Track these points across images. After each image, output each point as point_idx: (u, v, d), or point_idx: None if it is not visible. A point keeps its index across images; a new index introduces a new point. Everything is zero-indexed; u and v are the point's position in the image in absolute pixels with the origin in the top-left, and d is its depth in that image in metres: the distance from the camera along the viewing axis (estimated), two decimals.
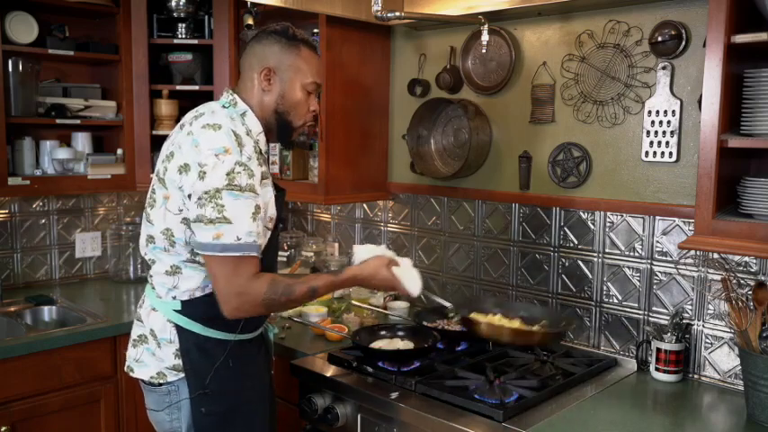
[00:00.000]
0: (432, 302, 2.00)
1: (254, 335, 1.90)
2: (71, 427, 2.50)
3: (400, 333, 2.33)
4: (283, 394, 2.34)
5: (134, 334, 1.89)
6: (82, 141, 3.09)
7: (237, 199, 1.65)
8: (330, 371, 2.13)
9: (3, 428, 2.29)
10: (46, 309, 2.87)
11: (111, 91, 3.15)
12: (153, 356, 1.83)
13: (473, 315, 1.99)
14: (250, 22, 2.86)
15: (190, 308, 1.79)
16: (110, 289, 3.13)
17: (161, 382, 1.82)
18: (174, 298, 1.80)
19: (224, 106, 1.81)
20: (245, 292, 1.69)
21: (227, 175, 1.65)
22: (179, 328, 1.79)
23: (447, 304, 1.97)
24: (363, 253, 1.95)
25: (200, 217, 1.66)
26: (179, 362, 1.80)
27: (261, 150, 1.82)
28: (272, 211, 1.81)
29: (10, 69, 2.71)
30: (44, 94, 2.94)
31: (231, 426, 1.83)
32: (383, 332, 2.32)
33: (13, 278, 3.05)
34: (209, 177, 1.65)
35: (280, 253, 3.15)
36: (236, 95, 1.84)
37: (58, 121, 2.89)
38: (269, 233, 1.81)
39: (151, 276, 1.86)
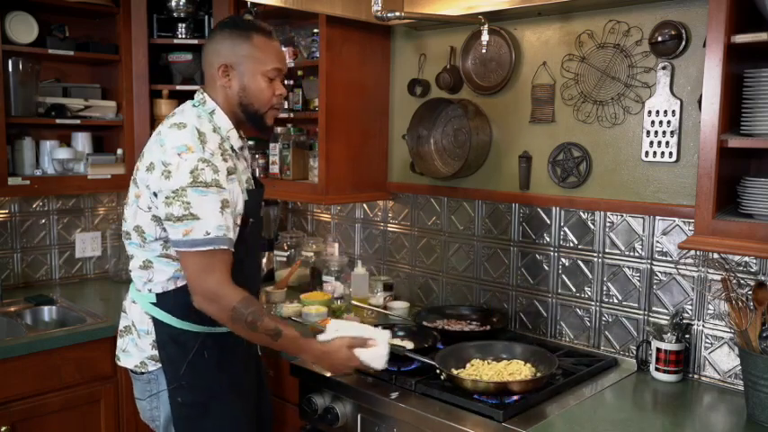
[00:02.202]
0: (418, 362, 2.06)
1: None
2: (71, 427, 2.50)
3: (400, 333, 2.33)
4: (283, 394, 2.35)
5: (121, 325, 1.98)
6: (82, 141, 3.09)
7: (203, 195, 1.70)
8: None
9: (3, 428, 2.29)
10: (46, 309, 2.87)
11: (111, 91, 3.15)
12: (136, 347, 1.90)
13: (454, 371, 1.97)
14: None
15: (164, 300, 1.84)
16: (110, 289, 3.13)
17: (143, 371, 1.90)
18: (150, 291, 1.86)
19: (194, 105, 1.87)
20: (218, 293, 1.73)
21: (191, 172, 1.70)
22: (155, 320, 1.86)
23: (432, 363, 1.98)
24: (333, 331, 1.96)
25: (168, 216, 1.72)
26: (156, 353, 1.87)
27: (232, 146, 1.87)
28: (240, 208, 1.83)
29: (10, 69, 2.71)
30: (44, 94, 2.94)
31: (206, 416, 1.88)
32: None
33: (13, 278, 3.05)
34: (174, 177, 1.70)
35: (280, 253, 3.16)
36: (205, 94, 1.89)
37: (58, 121, 2.90)
38: (238, 229, 1.83)
39: (130, 270, 1.92)
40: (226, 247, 1.73)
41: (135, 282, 1.90)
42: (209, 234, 1.70)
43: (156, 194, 1.74)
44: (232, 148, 1.86)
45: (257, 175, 3.01)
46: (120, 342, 1.96)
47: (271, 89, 1.87)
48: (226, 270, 1.74)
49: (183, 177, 1.70)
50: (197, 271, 1.73)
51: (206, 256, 1.71)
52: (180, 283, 1.84)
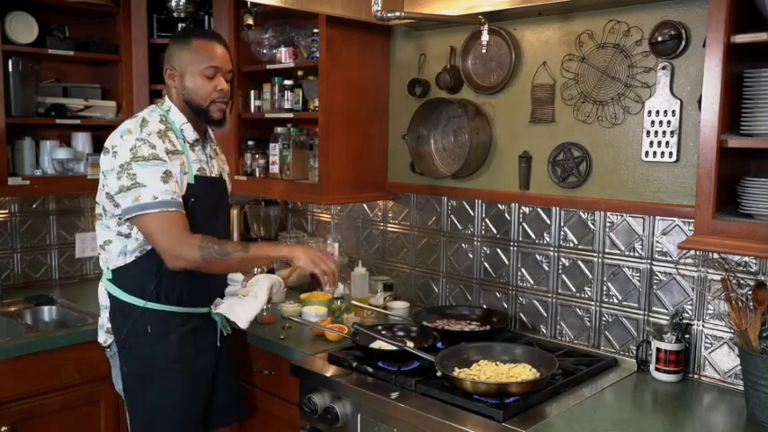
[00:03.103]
0: (414, 355, 2.07)
1: (182, 309, 2.09)
2: (71, 427, 2.50)
3: (400, 333, 2.33)
4: (283, 394, 2.35)
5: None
6: (82, 141, 3.09)
7: (144, 167, 1.93)
8: (330, 371, 2.14)
9: (3, 428, 2.29)
10: (46, 309, 2.88)
11: (111, 91, 3.15)
12: (103, 323, 2.15)
13: (457, 370, 1.98)
14: (250, 22, 2.86)
15: (117, 275, 2.08)
16: None
17: (106, 344, 2.15)
18: (108, 268, 2.10)
19: (156, 105, 2.13)
20: (180, 244, 1.93)
21: (131, 150, 1.94)
22: (110, 295, 2.10)
23: (431, 358, 1.99)
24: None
25: (120, 188, 1.94)
26: (110, 325, 2.10)
27: (185, 138, 2.08)
28: (182, 185, 2.02)
29: (10, 69, 2.71)
30: (44, 94, 2.94)
31: (150, 387, 2.07)
32: (383, 332, 2.31)
33: (13, 278, 3.05)
34: (119, 155, 1.95)
35: None
36: (165, 96, 2.14)
37: (58, 121, 2.90)
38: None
39: (98, 254, 2.16)
40: (175, 209, 1.94)
41: (101, 263, 2.14)
42: (156, 198, 1.92)
43: (105, 174, 1.99)
44: (185, 139, 2.08)
45: (257, 175, 3.02)
46: (99, 321, 2.19)
47: (211, 85, 2.07)
48: (182, 227, 1.95)
49: (125, 154, 1.94)
50: (157, 233, 1.94)
51: (160, 218, 1.92)
52: (129, 259, 2.05)
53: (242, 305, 2.13)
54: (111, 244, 2.07)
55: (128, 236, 2.04)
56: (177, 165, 2.00)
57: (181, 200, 1.98)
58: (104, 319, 2.13)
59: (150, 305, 2.05)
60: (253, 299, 2.13)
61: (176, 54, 2.08)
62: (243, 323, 2.12)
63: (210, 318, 2.20)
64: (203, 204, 2.08)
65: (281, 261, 3.14)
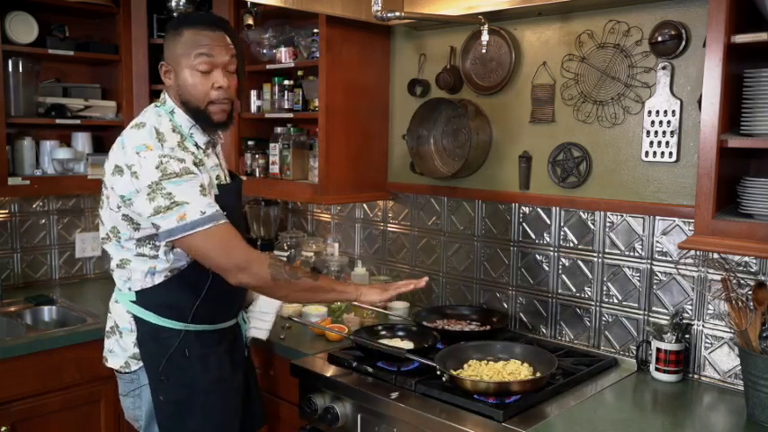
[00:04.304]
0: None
1: (216, 327, 1.95)
2: (71, 427, 2.50)
3: (400, 333, 2.33)
4: (283, 394, 2.35)
5: (107, 325, 1.99)
6: (82, 141, 3.09)
7: (179, 184, 1.71)
8: (330, 371, 2.13)
9: (3, 428, 2.29)
10: (46, 309, 2.88)
11: (111, 91, 3.16)
12: (119, 346, 1.92)
13: (455, 371, 1.97)
14: (250, 22, 2.86)
15: (143, 298, 1.86)
16: (109, 289, 3.10)
17: (127, 371, 1.91)
18: (130, 289, 1.88)
19: (156, 106, 1.88)
20: (248, 259, 1.76)
21: (157, 168, 1.70)
22: (136, 318, 1.88)
23: (432, 364, 1.99)
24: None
25: (156, 209, 1.70)
26: (137, 351, 1.88)
27: (197, 143, 1.87)
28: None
29: (10, 69, 2.72)
30: (44, 94, 2.94)
31: (190, 414, 1.89)
32: (383, 332, 2.32)
33: (13, 278, 3.05)
34: (142, 175, 1.71)
35: (280, 253, 3.15)
36: (165, 94, 1.90)
37: (58, 121, 2.90)
38: None
39: (111, 271, 1.94)
40: (225, 221, 1.74)
41: (116, 282, 1.93)
42: (204, 213, 1.70)
43: (125, 198, 1.74)
44: (197, 144, 1.87)
45: (257, 175, 3.02)
46: (106, 342, 1.98)
47: (206, 83, 1.82)
48: (240, 238, 1.77)
49: (152, 173, 1.70)
50: (216, 250, 1.73)
51: (215, 234, 1.72)
52: (157, 280, 1.85)
53: (256, 319, 2.13)
54: (130, 263, 1.85)
55: (154, 257, 1.83)
56: (206, 176, 1.82)
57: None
58: (127, 343, 1.89)
59: (192, 327, 1.88)
60: (262, 312, 2.14)
61: (170, 49, 1.83)
62: (263, 334, 2.14)
63: (237, 332, 2.07)
64: (230, 216, 1.86)
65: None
